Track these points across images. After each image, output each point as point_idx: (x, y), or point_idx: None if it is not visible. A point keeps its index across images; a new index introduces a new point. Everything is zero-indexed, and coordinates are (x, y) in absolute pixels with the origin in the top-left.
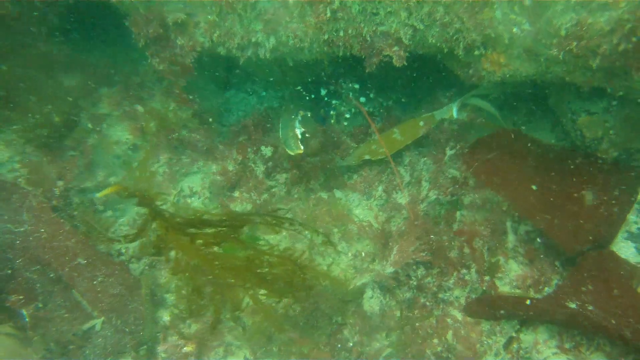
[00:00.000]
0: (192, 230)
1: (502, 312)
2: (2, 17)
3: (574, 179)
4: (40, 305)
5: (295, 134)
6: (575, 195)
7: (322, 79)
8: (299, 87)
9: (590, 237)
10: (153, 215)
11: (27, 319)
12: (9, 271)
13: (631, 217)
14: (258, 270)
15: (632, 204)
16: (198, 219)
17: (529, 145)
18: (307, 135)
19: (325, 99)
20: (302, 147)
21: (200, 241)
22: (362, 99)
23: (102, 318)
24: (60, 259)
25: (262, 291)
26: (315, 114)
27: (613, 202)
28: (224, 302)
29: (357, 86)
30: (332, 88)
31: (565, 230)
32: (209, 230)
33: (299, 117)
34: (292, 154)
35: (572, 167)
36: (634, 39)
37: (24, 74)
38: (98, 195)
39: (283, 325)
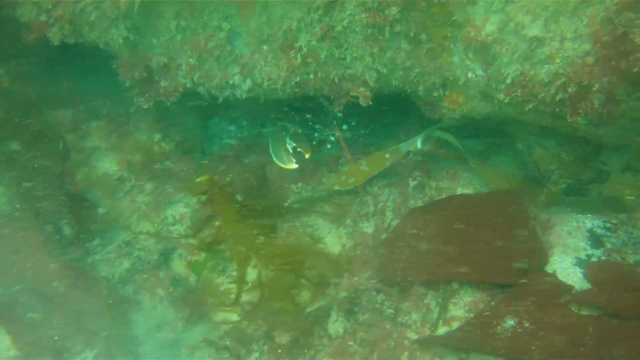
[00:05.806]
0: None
1: None
2: None
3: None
4: None
5: (287, 149)
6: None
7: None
8: (285, 108)
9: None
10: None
11: None
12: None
13: (581, 243)
14: None
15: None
16: None
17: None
18: (299, 150)
19: (309, 122)
20: (294, 162)
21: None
22: (344, 127)
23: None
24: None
25: None
26: (304, 131)
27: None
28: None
29: (340, 115)
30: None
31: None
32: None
33: (289, 133)
34: (285, 167)
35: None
36: (569, 90)
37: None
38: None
39: None
